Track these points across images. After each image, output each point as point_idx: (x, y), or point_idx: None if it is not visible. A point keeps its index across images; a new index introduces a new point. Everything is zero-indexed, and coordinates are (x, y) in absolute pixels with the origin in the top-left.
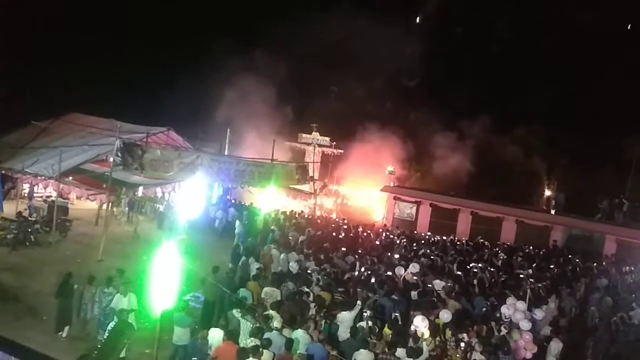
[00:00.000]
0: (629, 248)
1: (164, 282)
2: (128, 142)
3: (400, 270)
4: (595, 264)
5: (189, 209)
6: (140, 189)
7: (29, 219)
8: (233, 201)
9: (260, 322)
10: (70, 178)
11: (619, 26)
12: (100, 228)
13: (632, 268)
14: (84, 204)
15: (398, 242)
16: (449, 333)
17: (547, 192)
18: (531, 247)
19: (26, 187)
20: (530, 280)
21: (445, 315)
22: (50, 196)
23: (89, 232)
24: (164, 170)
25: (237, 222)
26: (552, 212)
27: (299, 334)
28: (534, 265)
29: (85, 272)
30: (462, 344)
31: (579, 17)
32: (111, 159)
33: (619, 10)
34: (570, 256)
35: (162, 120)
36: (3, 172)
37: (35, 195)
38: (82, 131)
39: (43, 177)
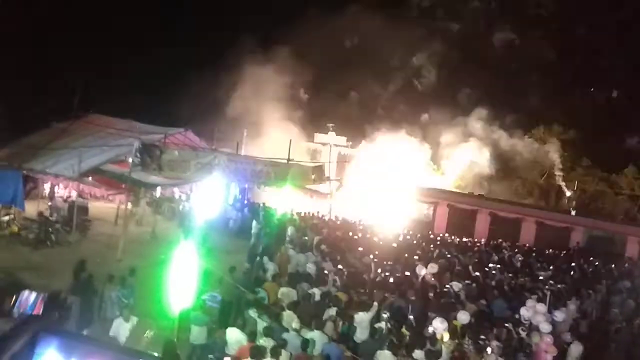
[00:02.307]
0: None
1: (182, 281)
2: (147, 142)
3: (421, 271)
4: (616, 266)
5: (206, 209)
6: (159, 189)
7: (50, 218)
8: (247, 202)
9: (273, 321)
10: (90, 178)
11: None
12: (119, 228)
13: None
14: (103, 203)
15: (415, 242)
16: (467, 335)
17: (568, 193)
18: (551, 249)
19: (47, 188)
20: (550, 282)
21: (462, 317)
22: (70, 196)
23: (108, 231)
24: (182, 170)
25: (254, 222)
26: (573, 213)
27: (316, 335)
28: (554, 267)
29: (105, 271)
30: (489, 350)
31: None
32: (130, 160)
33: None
34: (591, 258)
35: (180, 120)
36: (25, 172)
37: (56, 195)
38: (101, 132)
39: (63, 178)
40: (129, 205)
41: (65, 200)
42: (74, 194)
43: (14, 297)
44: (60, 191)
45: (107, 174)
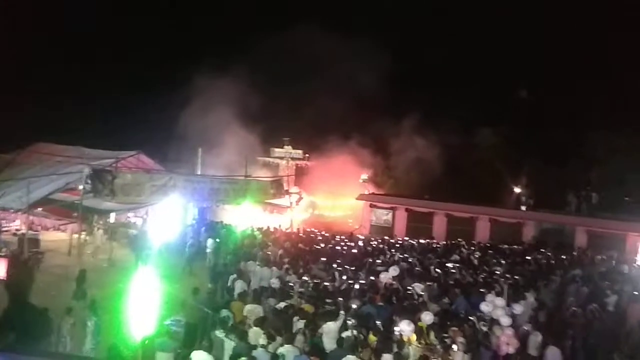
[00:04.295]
0: (599, 238)
1: (142, 308)
2: (97, 168)
3: (385, 275)
4: (567, 256)
5: (163, 233)
6: (113, 215)
7: None
8: (205, 221)
9: (237, 340)
10: (40, 209)
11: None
12: (73, 258)
13: (604, 257)
14: (55, 234)
15: (376, 247)
16: (432, 335)
17: (517, 190)
18: (506, 244)
19: None
20: (507, 275)
21: (426, 317)
22: (20, 229)
23: (62, 263)
24: (136, 194)
25: (210, 241)
26: (523, 208)
27: (287, 349)
28: (509, 261)
29: (61, 304)
30: (455, 347)
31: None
32: (80, 187)
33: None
34: (543, 250)
35: (131, 144)
36: None
37: (4, 229)
38: (49, 161)
39: (12, 210)
40: (83, 234)
41: (14, 234)
42: (24, 227)
43: None
44: (9, 224)
45: (57, 203)
